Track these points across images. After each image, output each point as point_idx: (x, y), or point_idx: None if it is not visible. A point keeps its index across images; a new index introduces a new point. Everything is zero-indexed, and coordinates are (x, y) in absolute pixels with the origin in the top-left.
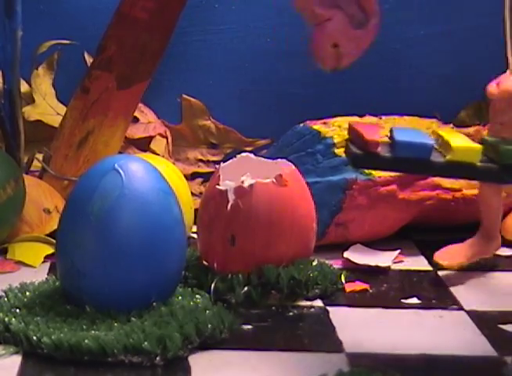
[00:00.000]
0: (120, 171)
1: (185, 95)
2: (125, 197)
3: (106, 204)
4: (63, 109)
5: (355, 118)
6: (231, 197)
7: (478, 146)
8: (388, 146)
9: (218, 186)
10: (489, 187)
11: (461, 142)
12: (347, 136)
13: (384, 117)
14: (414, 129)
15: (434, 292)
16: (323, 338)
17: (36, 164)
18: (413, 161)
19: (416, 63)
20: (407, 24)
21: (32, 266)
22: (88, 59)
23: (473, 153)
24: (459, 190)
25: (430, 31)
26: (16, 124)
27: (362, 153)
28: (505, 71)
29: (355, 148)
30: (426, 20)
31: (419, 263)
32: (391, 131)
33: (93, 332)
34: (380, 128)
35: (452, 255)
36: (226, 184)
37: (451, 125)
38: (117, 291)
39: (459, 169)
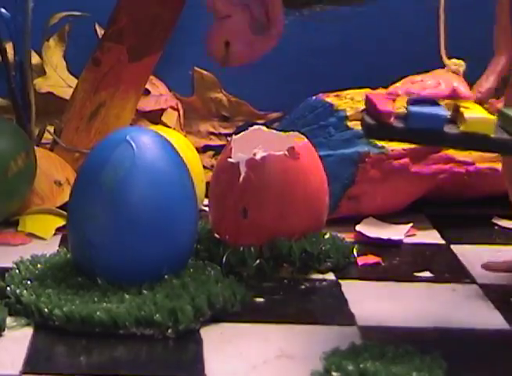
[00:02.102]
0: (132, 142)
1: (196, 68)
2: (137, 168)
3: (118, 176)
4: (74, 81)
5: (368, 91)
6: (243, 169)
7: (492, 118)
8: (402, 117)
9: (229, 159)
10: None
11: (476, 113)
12: (360, 109)
13: None
14: (431, 99)
15: (447, 266)
16: (335, 311)
17: (47, 137)
18: (426, 132)
19: (425, 36)
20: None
21: (43, 238)
22: (100, 31)
23: (487, 125)
24: (473, 164)
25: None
26: (27, 96)
27: (376, 124)
28: None
29: (369, 118)
30: None
31: (431, 237)
32: (407, 101)
33: (105, 304)
34: (395, 98)
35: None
36: (238, 157)
37: None
38: (129, 263)
39: (472, 141)
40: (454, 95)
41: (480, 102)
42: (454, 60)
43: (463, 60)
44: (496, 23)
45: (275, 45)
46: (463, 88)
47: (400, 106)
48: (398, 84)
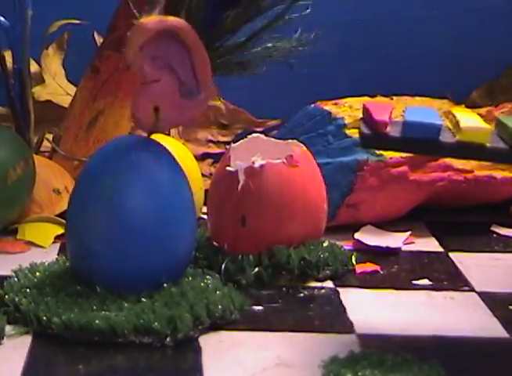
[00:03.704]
0: (131, 151)
1: None
2: (135, 176)
3: (116, 185)
4: (72, 89)
5: (367, 99)
6: (241, 177)
7: (488, 127)
8: (398, 126)
9: (228, 167)
10: None
11: (471, 122)
12: (358, 117)
13: (395, 98)
14: (428, 108)
15: (445, 273)
16: (334, 319)
17: (46, 145)
18: (422, 142)
19: (426, 42)
20: (419, 3)
21: (42, 247)
22: (98, 39)
23: (482, 134)
24: (471, 172)
25: (442, 11)
26: (26, 104)
27: (372, 133)
28: None
29: (366, 128)
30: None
31: (430, 245)
32: (405, 109)
33: (103, 312)
34: (392, 108)
35: None
36: (237, 165)
37: (462, 106)
38: (127, 272)
39: (468, 150)
40: None
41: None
42: None
43: None
44: None
45: (205, 108)
46: None
47: (398, 114)
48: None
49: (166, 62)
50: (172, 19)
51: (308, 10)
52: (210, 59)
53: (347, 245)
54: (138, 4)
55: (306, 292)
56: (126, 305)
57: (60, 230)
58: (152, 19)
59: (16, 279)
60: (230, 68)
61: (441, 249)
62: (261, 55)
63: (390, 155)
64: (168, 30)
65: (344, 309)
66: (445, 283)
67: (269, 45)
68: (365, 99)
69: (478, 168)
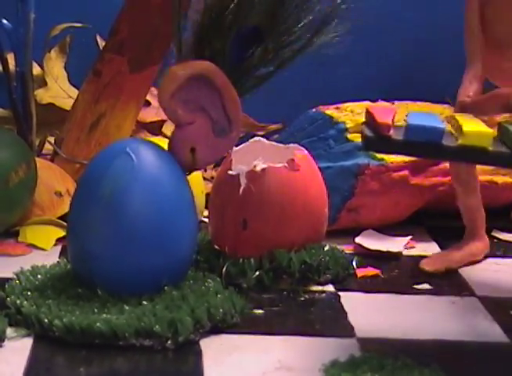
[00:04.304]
0: (132, 154)
1: None
2: (136, 180)
3: (117, 187)
4: (75, 92)
5: (368, 103)
6: (243, 181)
7: (490, 131)
8: (401, 130)
9: (230, 171)
10: (464, 188)
11: (474, 126)
12: (359, 121)
13: (396, 103)
14: (430, 113)
15: (446, 278)
16: (335, 322)
17: (48, 147)
18: (424, 145)
19: (428, 47)
20: (418, 9)
21: (44, 249)
22: (101, 43)
23: (485, 138)
24: None
25: (441, 16)
26: (28, 107)
27: (374, 136)
28: None
29: (368, 131)
30: (436, 4)
31: (430, 249)
32: (407, 114)
33: (104, 315)
34: (395, 112)
35: (438, 261)
36: (238, 168)
37: None
38: (129, 275)
39: (470, 154)
40: None
41: (470, 107)
42: None
43: None
44: (467, 31)
45: (235, 144)
46: None
47: (400, 119)
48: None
49: (198, 104)
50: (201, 63)
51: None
52: (238, 96)
53: (348, 249)
54: (146, 17)
55: (307, 296)
56: (127, 308)
57: (62, 233)
58: (181, 66)
59: (17, 281)
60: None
61: None
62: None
63: (391, 159)
64: (198, 74)
65: (345, 312)
66: (446, 287)
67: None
68: (367, 103)
69: (479, 173)
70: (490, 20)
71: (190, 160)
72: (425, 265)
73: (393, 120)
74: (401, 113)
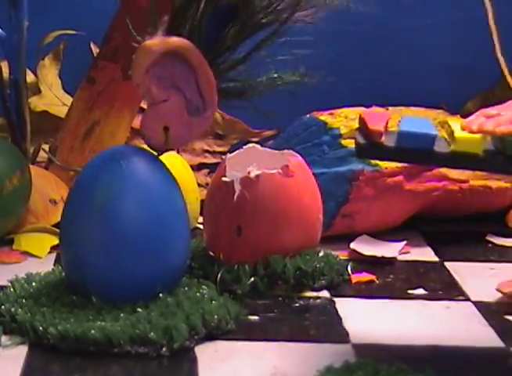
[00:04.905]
0: (123, 161)
1: None
2: (128, 187)
3: (110, 195)
4: (69, 99)
5: (362, 109)
6: (237, 187)
7: (482, 137)
8: (393, 136)
9: (224, 177)
10: None
11: (466, 132)
12: (353, 127)
13: (390, 108)
14: (422, 119)
15: (441, 283)
16: (329, 328)
17: (42, 155)
18: (416, 152)
19: (422, 53)
20: (415, 14)
21: (38, 257)
22: (94, 50)
23: (476, 144)
24: (466, 181)
25: (438, 21)
26: (22, 115)
27: (367, 143)
28: None
29: (361, 138)
30: (434, 10)
31: (425, 254)
32: (400, 120)
33: (99, 323)
34: (388, 118)
35: None
36: (233, 175)
37: (457, 116)
38: (123, 282)
39: (462, 160)
40: None
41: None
42: None
43: None
44: None
45: (209, 125)
46: None
47: (393, 125)
48: (472, 118)
49: (172, 82)
50: (176, 40)
51: (311, 24)
52: (214, 76)
53: (342, 255)
54: (140, 25)
55: (302, 302)
56: (122, 315)
57: (56, 241)
58: (156, 41)
59: (12, 289)
60: (233, 96)
61: (436, 258)
62: (266, 84)
63: (385, 165)
64: (173, 51)
65: (340, 318)
66: (441, 292)
67: (275, 75)
68: (361, 109)
69: (473, 178)
70: None
71: (163, 140)
72: (502, 288)
73: (386, 126)
74: (395, 119)
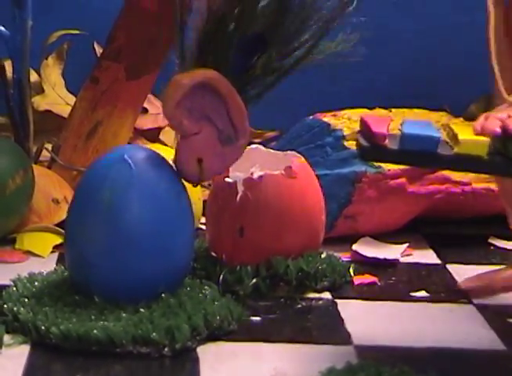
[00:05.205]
0: (130, 161)
1: None
2: (134, 187)
3: (115, 195)
4: (72, 99)
5: (365, 111)
6: (240, 188)
7: (486, 140)
8: (396, 139)
9: (227, 178)
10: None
11: (469, 135)
12: (356, 129)
13: (393, 110)
14: (425, 121)
15: (443, 286)
16: (332, 330)
17: (45, 154)
18: (420, 154)
19: (426, 55)
20: (417, 16)
21: (41, 256)
22: (98, 50)
23: (480, 147)
24: (469, 184)
25: (441, 23)
26: (25, 114)
27: (370, 146)
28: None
29: (364, 140)
30: (436, 12)
31: (427, 257)
32: (402, 122)
33: (102, 322)
34: (390, 120)
35: (478, 279)
36: (235, 175)
37: (461, 119)
38: (126, 282)
39: (466, 162)
40: None
41: None
42: None
43: None
44: (492, 42)
45: (243, 153)
46: None
47: (395, 127)
48: (481, 120)
49: (203, 113)
50: (205, 72)
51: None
52: (244, 103)
53: (345, 256)
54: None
55: (304, 303)
56: (124, 315)
57: (59, 240)
58: (186, 74)
59: (14, 288)
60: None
61: (438, 261)
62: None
63: (388, 167)
64: (202, 83)
65: (342, 320)
66: (443, 295)
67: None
68: (364, 110)
69: (476, 181)
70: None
71: (198, 172)
72: (461, 284)
73: (388, 129)
74: (397, 121)
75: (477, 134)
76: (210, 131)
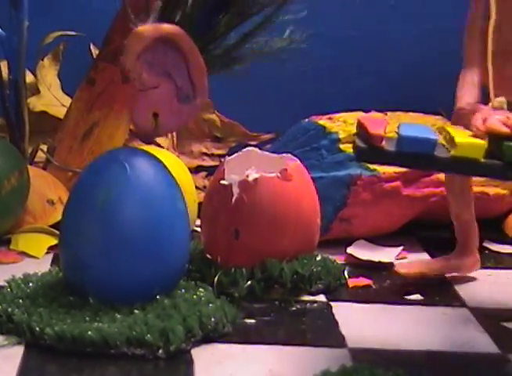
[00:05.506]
0: (125, 163)
1: None
2: (129, 189)
3: (110, 196)
4: (68, 100)
5: (361, 114)
6: (235, 190)
7: (482, 142)
8: (393, 141)
9: (222, 180)
10: (458, 202)
11: (466, 137)
12: (352, 132)
13: (389, 113)
14: (421, 125)
15: (438, 289)
16: (326, 332)
17: (40, 155)
18: (417, 156)
19: (421, 58)
20: (413, 19)
21: (35, 257)
22: (94, 51)
23: (477, 149)
24: None
25: (436, 27)
26: (21, 115)
27: (367, 147)
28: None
29: (361, 142)
30: (432, 16)
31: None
32: (398, 126)
33: (96, 324)
34: (387, 123)
35: (415, 265)
36: (231, 178)
37: None
38: (121, 283)
39: (462, 165)
40: None
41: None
42: (498, 98)
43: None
44: (468, 34)
45: (199, 112)
46: None
47: (391, 130)
48: (479, 122)
49: (163, 68)
50: (168, 27)
51: (304, 13)
52: (204, 63)
53: (339, 259)
54: (134, 11)
55: (298, 306)
56: (119, 316)
57: (53, 241)
58: (148, 27)
59: (9, 289)
60: (221, 67)
61: None
62: (253, 50)
63: (383, 170)
64: (164, 38)
65: (336, 322)
66: (437, 298)
67: (260, 40)
68: (360, 113)
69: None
70: (498, 25)
71: (153, 126)
72: (400, 268)
73: (385, 130)
74: (393, 125)
75: (477, 135)
76: (169, 88)
